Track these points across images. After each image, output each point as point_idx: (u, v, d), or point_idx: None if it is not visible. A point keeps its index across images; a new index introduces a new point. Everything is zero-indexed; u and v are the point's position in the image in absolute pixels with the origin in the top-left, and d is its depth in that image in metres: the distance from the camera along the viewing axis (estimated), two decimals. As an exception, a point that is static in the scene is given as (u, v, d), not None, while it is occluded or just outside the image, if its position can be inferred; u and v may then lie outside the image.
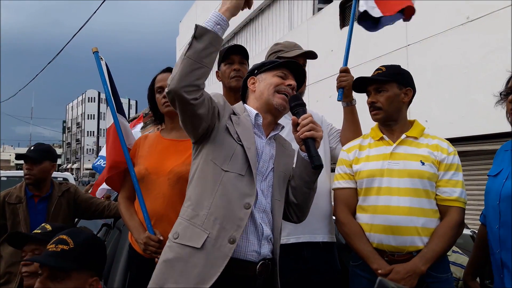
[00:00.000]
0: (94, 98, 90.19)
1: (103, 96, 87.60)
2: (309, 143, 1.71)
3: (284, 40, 2.72)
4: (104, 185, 3.37)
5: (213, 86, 17.21)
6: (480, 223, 2.23)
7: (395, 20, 2.77)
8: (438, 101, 7.49)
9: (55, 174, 7.29)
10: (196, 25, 1.60)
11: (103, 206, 3.17)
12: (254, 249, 1.66)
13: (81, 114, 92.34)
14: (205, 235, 1.59)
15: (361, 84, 2.27)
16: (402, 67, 2.29)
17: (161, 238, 2.09)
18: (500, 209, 1.90)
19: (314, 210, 2.21)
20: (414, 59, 7.98)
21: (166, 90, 1.61)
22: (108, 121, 2.56)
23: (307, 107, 2.62)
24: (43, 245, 1.87)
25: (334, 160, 2.47)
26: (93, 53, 2.60)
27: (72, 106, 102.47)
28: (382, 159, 2.16)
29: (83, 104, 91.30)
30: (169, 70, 2.42)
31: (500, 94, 2.06)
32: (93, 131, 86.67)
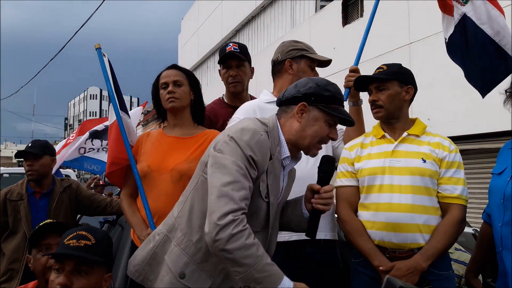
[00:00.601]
0: (96, 95, 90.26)
1: (105, 93, 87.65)
2: (317, 216, 1.72)
3: (286, 39, 2.73)
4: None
5: (215, 83, 17.22)
6: (482, 221, 2.23)
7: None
8: (440, 99, 7.48)
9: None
10: None
11: (105, 203, 3.18)
12: None
13: (83, 111, 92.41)
14: (209, 282, 1.65)
15: (363, 83, 2.27)
16: (404, 65, 2.30)
17: None
18: (504, 208, 1.91)
19: (316, 208, 2.22)
20: (416, 57, 7.96)
21: (212, 243, 1.48)
22: (110, 118, 2.56)
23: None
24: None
25: (336, 159, 2.47)
26: (96, 49, 2.60)
27: (74, 103, 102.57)
28: (384, 157, 2.16)
29: (85, 101, 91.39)
30: (173, 67, 2.41)
31: (506, 91, 2.06)
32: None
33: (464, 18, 2.45)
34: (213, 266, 1.64)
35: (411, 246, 2.05)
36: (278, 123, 1.73)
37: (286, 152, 1.71)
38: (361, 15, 9.93)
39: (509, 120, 1.99)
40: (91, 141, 4.30)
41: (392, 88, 2.18)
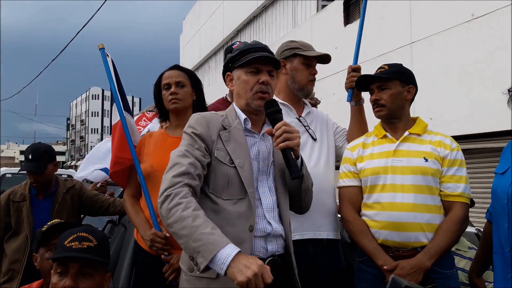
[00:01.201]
0: (98, 95, 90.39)
1: (107, 93, 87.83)
2: (286, 154, 1.69)
3: (288, 39, 2.72)
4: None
5: (217, 83, 17.23)
6: (486, 220, 2.23)
7: None
8: (442, 99, 7.46)
9: (59, 171, 7.32)
10: (206, 264, 1.43)
11: (108, 203, 3.18)
12: (261, 245, 1.69)
13: (85, 112, 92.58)
14: None
15: (364, 83, 2.27)
16: (406, 64, 2.31)
17: (167, 234, 2.10)
18: (508, 208, 1.90)
19: (318, 207, 2.23)
20: (418, 57, 7.95)
21: (161, 213, 1.58)
22: (114, 118, 2.56)
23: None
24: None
25: (341, 158, 2.47)
26: (99, 49, 2.59)
27: (76, 104, 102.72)
28: (386, 157, 2.17)
29: (87, 102, 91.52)
30: (176, 67, 2.42)
31: (509, 91, 2.05)
32: (97, 128, 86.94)
33: None
34: None
35: (414, 245, 2.05)
36: (233, 104, 1.89)
37: (242, 116, 1.80)
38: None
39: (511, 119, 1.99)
40: None
41: (394, 87, 2.18)
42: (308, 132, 2.40)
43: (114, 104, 2.54)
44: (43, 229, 2.17)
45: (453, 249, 2.35)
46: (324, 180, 2.34)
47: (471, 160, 7.07)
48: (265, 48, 1.83)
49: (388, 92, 2.18)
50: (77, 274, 1.68)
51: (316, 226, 2.29)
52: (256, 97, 1.77)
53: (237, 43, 2.77)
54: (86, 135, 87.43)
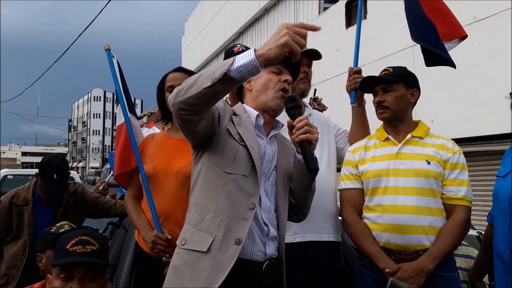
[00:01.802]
0: (100, 97, 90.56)
1: (108, 95, 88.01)
2: (305, 146, 1.69)
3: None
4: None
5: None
6: (487, 223, 2.23)
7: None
8: (444, 102, 7.46)
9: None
10: (225, 72, 1.43)
11: (109, 205, 3.17)
12: (259, 249, 1.67)
13: (87, 113, 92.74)
14: (211, 238, 1.59)
15: (368, 84, 2.27)
16: (408, 67, 2.30)
17: (169, 237, 2.10)
18: (509, 210, 1.90)
19: (320, 210, 2.22)
20: (420, 59, 7.94)
21: (170, 101, 1.58)
22: (118, 120, 2.55)
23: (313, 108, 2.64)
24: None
25: (342, 161, 2.47)
26: (105, 50, 2.58)
27: (77, 105, 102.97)
28: (388, 159, 2.17)
29: (89, 103, 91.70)
30: (180, 69, 2.42)
31: (511, 95, 2.06)
32: (99, 130, 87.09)
33: None
34: (210, 222, 1.62)
35: (417, 247, 2.05)
36: (244, 105, 1.89)
37: (254, 112, 1.81)
38: (365, 17, 9.92)
39: (513, 122, 1.99)
40: None
41: (399, 90, 2.18)
42: None
43: (119, 105, 2.53)
44: (52, 230, 2.17)
45: None
46: (325, 182, 2.33)
47: (473, 163, 7.06)
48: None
49: (393, 94, 2.18)
50: (83, 278, 1.69)
51: (317, 228, 2.28)
52: (279, 95, 1.79)
53: (238, 45, 2.78)
54: (88, 136, 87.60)
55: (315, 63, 2.60)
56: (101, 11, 10.75)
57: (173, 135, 2.35)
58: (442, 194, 2.11)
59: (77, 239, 1.73)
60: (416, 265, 2.00)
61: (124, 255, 2.74)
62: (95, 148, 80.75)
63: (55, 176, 2.90)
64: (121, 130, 2.48)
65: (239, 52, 2.58)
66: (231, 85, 1.49)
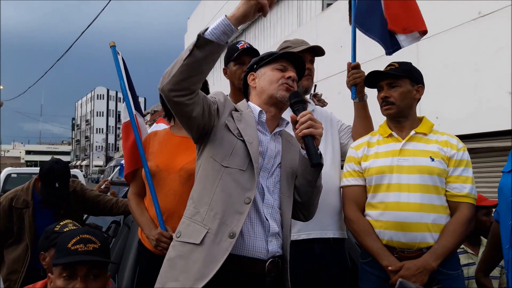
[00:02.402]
0: (103, 95, 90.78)
1: (111, 93, 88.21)
2: (308, 141, 1.69)
3: (293, 37, 2.70)
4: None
5: (221, 83, 17.21)
6: (493, 220, 2.21)
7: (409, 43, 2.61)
8: (448, 98, 7.42)
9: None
10: (198, 34, 1.53)
11: (111, 203, 3.14)
12: (261, 245, 1.66)
13: (90, 111, 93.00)
14: (204, 230, 1.60)
15: (373, 79, 2.25)
16: (412, 63, 2.28)
17: (173, 234, 2.09)
18: None
19: (324, 206, 2.21)
20: (424, 55, 7.91)
21: (159, 88, 1.58)
22: (123, 117, 2.52)
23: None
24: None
25: (345, 156, 2.45)
26: (110, 47, 2.57)
27: (81, 103, 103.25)
28: (392, 156, 2.15)
29: (92, 101, 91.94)
30: None
31: None
32: (102, 128, 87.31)
33: None
34: (204, 215, 1.62)
35: (420, 245, 2.03)
36: (248, 102, 1.89)
37: (257, 108, 1.82)
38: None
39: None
40: None
41: (404, 85, 2.16)
42: None
43: (124, 103, 2.51)
44: (56, 229, 2.16)
45: None
46: (329, 178, 2.32)
47: (478, 160, 7.02)
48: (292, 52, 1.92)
49: (399, 90, 2.16)
50: (86, 277, 1.69)
51: (322, 225, 2.27)
52: (283, 87, 1.80)
53: (242, 42, 2.75)
54: (91, 135, 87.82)
55: (318, 59, 2.58)
56: (103, 9, 10.76)
57: (176, 133, 2.34)
58: (446, 191, 2.10)
59: (78, 237, 1.73)
60: (420, 263, 1.98)
61: (127, 253, 2.74)
62: (99, 146, 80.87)
63: (57, 185, 2.85)
64: (128, 128, 2.46)
65: (244, 49, 2.59)
66: (210, 49, 1.52)
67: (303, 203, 1.88)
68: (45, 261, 2.11)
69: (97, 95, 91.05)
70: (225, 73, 2.63)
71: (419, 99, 2.24)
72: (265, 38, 16.35)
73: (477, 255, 2.86)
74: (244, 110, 1.82)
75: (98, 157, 75.23)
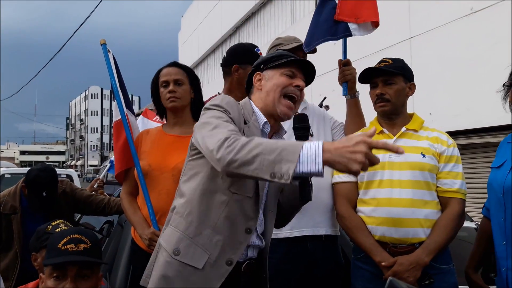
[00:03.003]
0: (97, 94, 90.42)
1: (106, 92, 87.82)
2: (304, 182, 1.57)
3: (286, 35, 2.69)
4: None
5: (216, 81, 17.20)
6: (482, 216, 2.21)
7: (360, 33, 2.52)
8: (442, 94, 7.45)
9: (58, 171, 7.27)
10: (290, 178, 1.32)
11: (104, 203, 3.10)
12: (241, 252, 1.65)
13: (85, 111, 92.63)
14: (206, 256, 1.58)
15: (367, 75, 2.24)
16: (405, 60, 2.29)
17: None
18: (504, 201, 1.89)
19: (316, 203, 2.21)
20: (417, 52, 7.93)
21: (221, 161, 1.43)
22: (115, 116, 2.50)
23: (309, 102, 2.62)
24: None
25: None
26: (101, 45, 2.55)
27: (75, 103, 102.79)
28: (383, 152, 2.14)
29: (86, 101, 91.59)
30: (174, 64, 2.37)
31: (503, 85, 2.04)
32: (97, 128, 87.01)
33: None
34: (207, 239, 1.59)
35: (412, 241, 2.04)
36: (250, 101, 1.79)
37: (262, 118, 1.72)
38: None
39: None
40: None
41: (399, 83, 2.17)
42: None
43: (115, 101, 2.49)
44: (48, 229, 2.14)
45: None
46: (321, 176, 2.31)
47: (471, 155, 7.06)
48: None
49: (394, 87, 2.16)
50: (76, 277, 1.68)
51: (314, 222, 2.28)
52: (287, 104, 1.70)
53: (259, 50, 2.63)
54: (86, 134, 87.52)
55: (311, 57, 2.57)
56: (95, 7, 10.70)
57: (168, 131, 2.33)
58: (437, 187, 2.11)
59: (69, 237, 1.72)
60: (412, 258, 1.99)
61: (121, 252, 2.73)
62: (93, 145, 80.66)
63: (44, 193, 2.75)
64: (120, 126, 2.44)
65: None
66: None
67: (281, 217, 1.87)
68: (37, 262, 2.09)
69: (91, 94, 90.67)
70: (235, 70, 2.49)
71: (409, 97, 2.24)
72: (258, 35, 16.34)
73: None
74: (250, 117, 1.71)
75: (93, 156, 75.03)
